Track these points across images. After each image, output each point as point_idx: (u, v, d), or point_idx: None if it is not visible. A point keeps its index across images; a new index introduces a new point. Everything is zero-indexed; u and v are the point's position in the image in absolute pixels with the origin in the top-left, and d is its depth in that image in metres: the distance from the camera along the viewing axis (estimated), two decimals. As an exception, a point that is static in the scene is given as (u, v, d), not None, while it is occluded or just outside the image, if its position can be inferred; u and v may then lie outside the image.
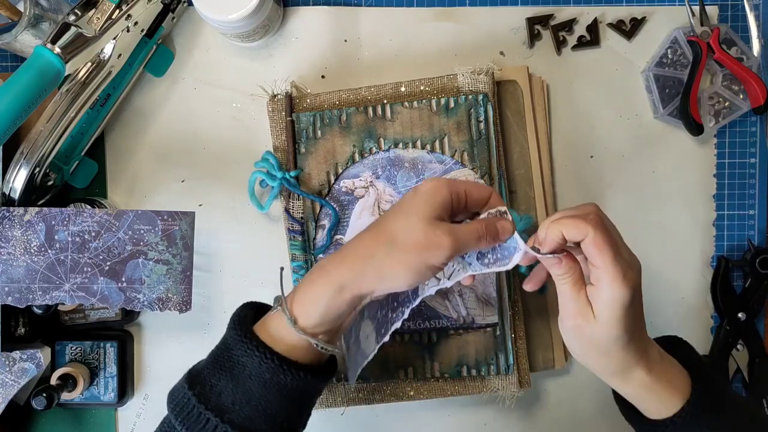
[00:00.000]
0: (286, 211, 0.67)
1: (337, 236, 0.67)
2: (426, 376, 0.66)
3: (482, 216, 0.54)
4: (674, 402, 0.54)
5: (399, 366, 0.66)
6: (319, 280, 0.51)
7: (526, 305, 0.68)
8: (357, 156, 0.67)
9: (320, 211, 0.67)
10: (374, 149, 0.66)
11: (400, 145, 0.66)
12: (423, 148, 0.66)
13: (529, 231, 0.67)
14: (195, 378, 0.50)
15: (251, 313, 0.54)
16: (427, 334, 0.66)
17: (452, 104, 0.66)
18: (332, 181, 0.67)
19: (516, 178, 0.69)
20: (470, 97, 0.66)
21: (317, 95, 0.69)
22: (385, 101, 0.67)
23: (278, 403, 0.49)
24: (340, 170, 0.67)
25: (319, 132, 0.67)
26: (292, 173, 0.66)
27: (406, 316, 0.53)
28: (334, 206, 0.66)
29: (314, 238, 0.67)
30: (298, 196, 0.67)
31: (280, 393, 0.49)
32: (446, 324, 0.66)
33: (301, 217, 0.67)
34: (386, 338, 0.54)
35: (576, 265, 0.52)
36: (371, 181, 0.66)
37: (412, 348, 0.66)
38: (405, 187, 0.66)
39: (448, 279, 0.54)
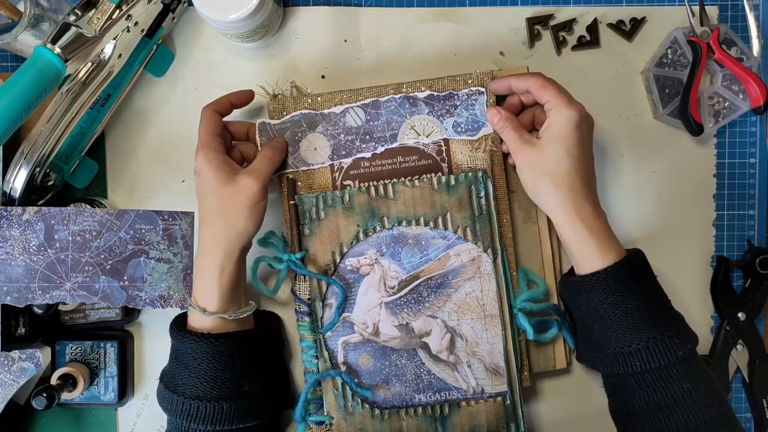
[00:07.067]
0: (293, 292, 0.68)
1: (345, 314, 0.67)
2: None
3: None
4: (603, 259, 0.60)
5: None
6: (203, 278, 0.62)
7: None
8: (361, 235, 0.67)
9: (327, 290, 0.67)
10: (378, 228, 0.67)
11: (404, 223, 0.67)
12: (426, 225, 0.66)
13: (538, 299, 0.68)
14: (163, 374, 0.64)
15: (182, 317, 0.66)
16: (439, 407, 0.66)
17: (453, 182, 0.66)
18: (337, 261, 0.67)
19: (516, 177, 0.69)
20: (470, 174, 0.66)
21: (318, 95, 0.69)
22: (386, 180, 0.67)
23: (213, 367, 0.61)
24: (345, 249, 0.67)
25: (322, 213, 0.67)
26: (298, 255, 0.66)
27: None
28: (341, 284, 0.66)
29: (321, 317, 0.67)
30: (305, 277, 0.67)
31: (212, 360, 0.61)
32: (457, 396, 0.66)
33: (308, 298, 0.67)
34: None
35: (513, 117, 0.65)
36: (376, 259, 0.66)
37: (425, 421, 0.66)
38: (410, 263, 0.66)
39: (427, 137, 0.67)
